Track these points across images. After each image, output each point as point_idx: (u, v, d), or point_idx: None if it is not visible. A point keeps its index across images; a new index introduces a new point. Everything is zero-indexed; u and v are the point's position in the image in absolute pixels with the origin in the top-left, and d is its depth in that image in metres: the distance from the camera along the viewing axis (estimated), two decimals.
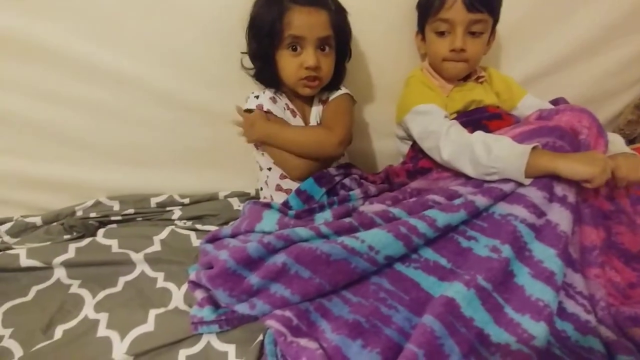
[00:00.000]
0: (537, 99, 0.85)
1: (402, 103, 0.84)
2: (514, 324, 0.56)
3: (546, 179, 0.62)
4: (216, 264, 0.63)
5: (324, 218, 0.70)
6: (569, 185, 0.62)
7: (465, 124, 0.74)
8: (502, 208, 0.64)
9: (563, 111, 0.70)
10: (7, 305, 0.64)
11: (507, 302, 0.59)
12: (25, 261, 0.69)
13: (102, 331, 0.59)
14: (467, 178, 0.70)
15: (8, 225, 0.79)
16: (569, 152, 0.63)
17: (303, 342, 0.55)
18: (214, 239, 0.70)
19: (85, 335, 0.59)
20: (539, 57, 0.94)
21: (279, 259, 0.60)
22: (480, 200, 0.64)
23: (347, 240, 0.61)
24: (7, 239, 0.77)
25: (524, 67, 0.94)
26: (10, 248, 0.72)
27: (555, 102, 0.86)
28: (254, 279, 0.60)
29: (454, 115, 0.81)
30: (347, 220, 0.66)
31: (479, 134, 0.69)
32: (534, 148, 0.61)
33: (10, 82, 0.77)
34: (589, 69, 0.97)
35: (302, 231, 0.63)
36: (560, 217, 0.61)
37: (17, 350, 0.57)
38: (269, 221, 0.68)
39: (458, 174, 0.72)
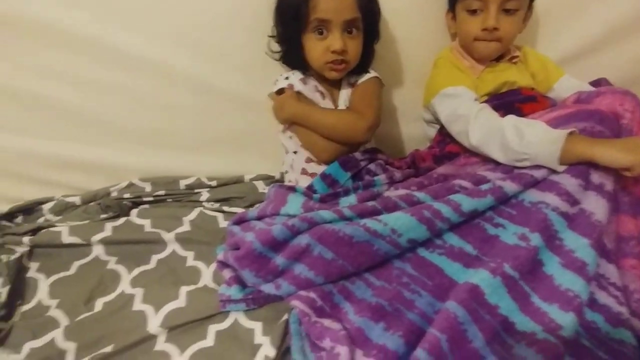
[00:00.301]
0: (576, 80, 0.81)
1: (430, 85, 0.82)
2: (541, 312, 0.56)
3: (582, 166, 0.59)
4: (243, 245, 0.65)
5: (348, 202, 0.70)
6: (607, 173, 0.59)
7: (496, 107, 0.71)
8: (533, 195, 0.62)
9: (604, 93, 0.66)
10: (53, 278, 0.69)
11: (534, 290, 0.58)
12: (67, 238, 0.74)
13: (137, 305, 0.63)
14: (496, 164, 0.68)
15: (50, 204, 0.84)
16: (608, 138, 0.60)
17: (327, 322, 0.56)
18: (240, 221, 0.72)
19: (123, 308, 0.63)
20: (579, 35, 0.88)
21: (303, 240, 0.61)
22: (510, 187, 0.62)
23: (369, 222, 0.62)
24: (49, 217, 0.82)
25: (562, 45, 0.88)
26: (53, 225, 0.77)
27: (596, 83, 0.81)
28: (279, 260, 0.62)
29: (485, 98, 0.77)
30: (371, 203, 0.66)
31: (511, 117, 0.66)
32: (570, 133, 0.59)
33: (49, 69, 0.80)
34: (633, 47, 0.89)
35: (326, 214, 0.64)
36: (596, 205, 0.59)
37: (63, 320, 0.62)
38: (294, 204, 0.69)
39: (487, 160, 0.70)
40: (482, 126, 0.68)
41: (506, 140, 0.64)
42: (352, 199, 0.71)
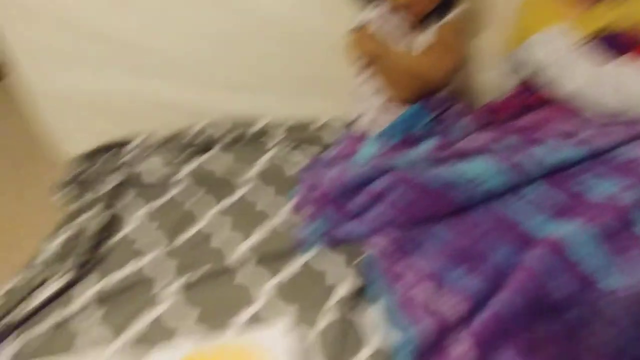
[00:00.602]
0: None
1: (521, 27, 0.74)
2: (629, 271, 0.53)
3: None
4: (318, 188, 0.66)
5: (425, 149, 0.68)
6: None
7: (600, 52, 0.64)
8: (631, 151, 0.57)
9: None
10: (137, 213, 0.74)
11: (623, 249, 0.55)
12: (147, 178, 0.79)
13: (217, 241, 0.67)
14: (589, 115, 0.63)
15: (130, 146, 0.88)
16: None
17: (402, 265, 0.57)
18: (314, 166, 0.73)
19: (204, 243, 0.67)
20: None
21: (378, 185, 0.61)
22: (604, 140, 0.58)
23: (446, 170, 0.60)
24: (132, 155, 0.86)
25: None
26: (133, 166, 0.82)
27: None
28: (354, 203, 0.63)
29: (586, 41, 0.69)
30: (448, 151, 0.65)
31: (617, 63, 0.60)
32: None
33: (130, 8, 0.82)
34: None
35: (401, 160, 0.63)
36: None
37: (148, 252, 0.67)
38: (369, 149, 0.69)
39: (577, 111, 0.65)
40: (581, 73, 0.62)
41: (609, 89, 0.58)
42: (429, 145, 0.69)
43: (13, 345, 0.56)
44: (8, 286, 0.64)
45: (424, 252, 0.59)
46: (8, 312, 0.59)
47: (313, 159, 0.74)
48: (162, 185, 0.78)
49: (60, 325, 0.57)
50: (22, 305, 0.60)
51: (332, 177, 0.66)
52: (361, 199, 0.63)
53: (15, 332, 0.57)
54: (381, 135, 0.71)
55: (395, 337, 0.50)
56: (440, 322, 0.49)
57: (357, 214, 0.63)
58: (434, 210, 0.61)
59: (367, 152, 0.69)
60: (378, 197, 0.61)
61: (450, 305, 0.51)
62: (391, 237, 0.60)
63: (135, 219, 0.73)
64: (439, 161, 0.63)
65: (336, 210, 0.64)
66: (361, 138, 0.73)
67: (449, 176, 0.60)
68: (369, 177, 0.63)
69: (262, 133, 0.86)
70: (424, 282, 0.54)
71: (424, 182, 0.60)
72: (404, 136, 0.71)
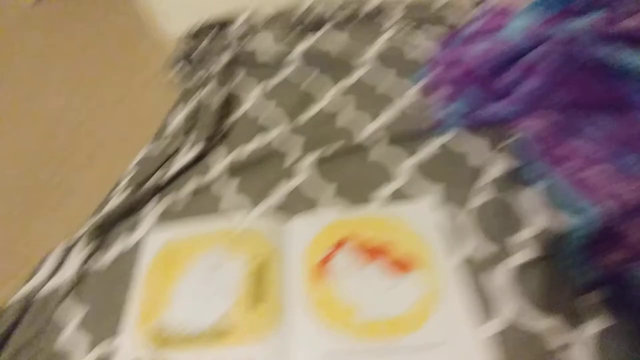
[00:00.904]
0: None
1: None
2: None
3: None
4: (458, 66, 0.59)
5: (588, 21, 0.58)
6: None
7: None
8: None
9: None
10: (253, 92, 0.71)
11: None
12: (259, 57, 0.74)
13: (345, 118, 0.63)
14: None
15: (236, 24, 0.83)
16: None
17: (564, 149, 0.51)
18: (448, 43, 0.65)
19: (331, 120, 0.64)
20: None
21: (532, 56, 0.53)
22: None
23: (612, 55, 0.51)
24: (236, 35, 0.81)
25: None
26: (242, 45, 0.77)
27: None
28: (502, 81, 0.56)
29: None
30: (617, 28, 0.54)
31: None
32: None
33: None
34: None
35: (561, 29, 0.53)
36: None
37: (273, 128, 0.65)
38: (520, 22, 0.59)
39: None
40: None
41: None
42: (593, 17, 0.58)
43: (157, 207, 0.58)
44: (140, 155, 0.66)
45: (587, 137, 0.52)
46: (147, 178, 0.61)
47: (447, 36, 0.66)
48: (275, 65, 0.73)
49: (200, 191, 0.59)
50: (160, 173, 0.62)
51: (477, 52, 0.58)
52: (511, 75, 0.55)
53: (158, 195, 0.60)
54: (536, 5, 0.60)
55: (566, 218, 0.46)
56: (622, 205, 0.44)
57: (505, 93, 0.56)
58: (594, 96, 0.53)
59: (519, 26, 0.59)
60: (530, 71, 0.54)
61: (631, 189, 0.46)
62: (547, 119, 0.53)
63: (252, 97, 0.71)
64: (605, 38, 0.53)
65: (481, 89, 0.57)
66: (505, 12, 0.62)
67: (615, 62, 0.50)
68: (522, 50, 0.55)
69: (378, 11, 0.77)
70: (595, 165, 0.48)
71: (586, 57, 0.51)
72: (564, 7, 0.60)
